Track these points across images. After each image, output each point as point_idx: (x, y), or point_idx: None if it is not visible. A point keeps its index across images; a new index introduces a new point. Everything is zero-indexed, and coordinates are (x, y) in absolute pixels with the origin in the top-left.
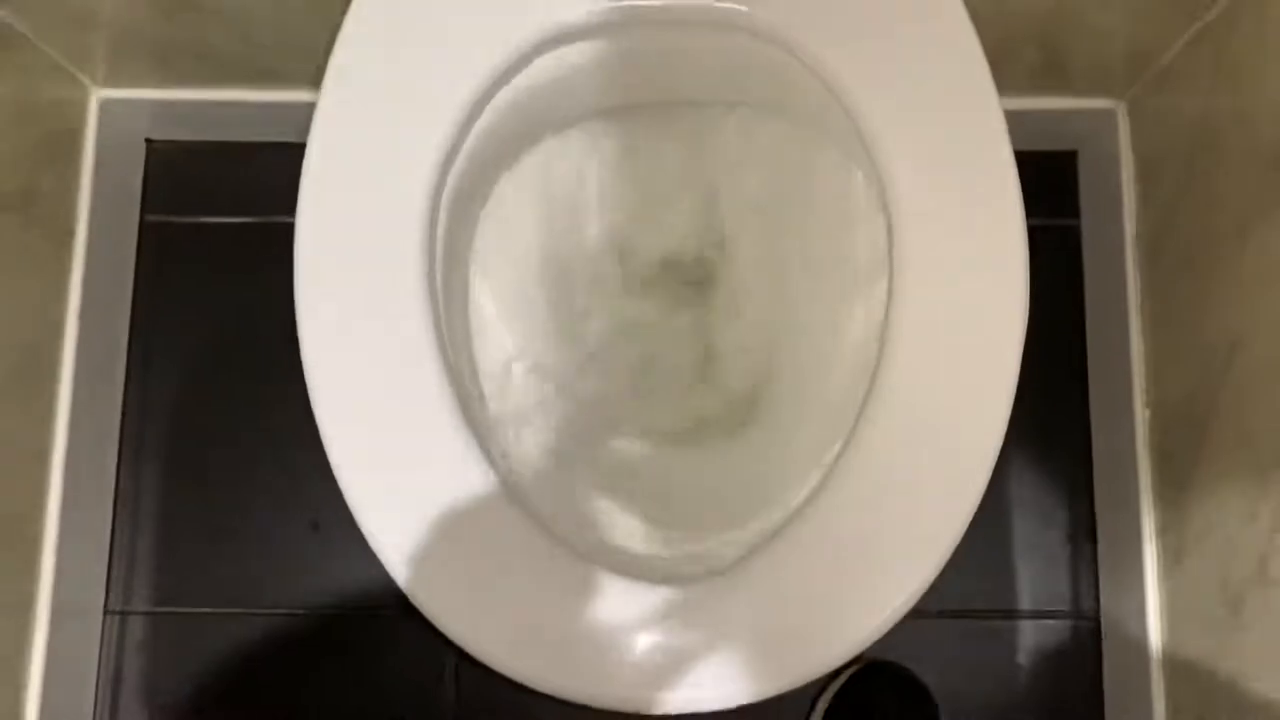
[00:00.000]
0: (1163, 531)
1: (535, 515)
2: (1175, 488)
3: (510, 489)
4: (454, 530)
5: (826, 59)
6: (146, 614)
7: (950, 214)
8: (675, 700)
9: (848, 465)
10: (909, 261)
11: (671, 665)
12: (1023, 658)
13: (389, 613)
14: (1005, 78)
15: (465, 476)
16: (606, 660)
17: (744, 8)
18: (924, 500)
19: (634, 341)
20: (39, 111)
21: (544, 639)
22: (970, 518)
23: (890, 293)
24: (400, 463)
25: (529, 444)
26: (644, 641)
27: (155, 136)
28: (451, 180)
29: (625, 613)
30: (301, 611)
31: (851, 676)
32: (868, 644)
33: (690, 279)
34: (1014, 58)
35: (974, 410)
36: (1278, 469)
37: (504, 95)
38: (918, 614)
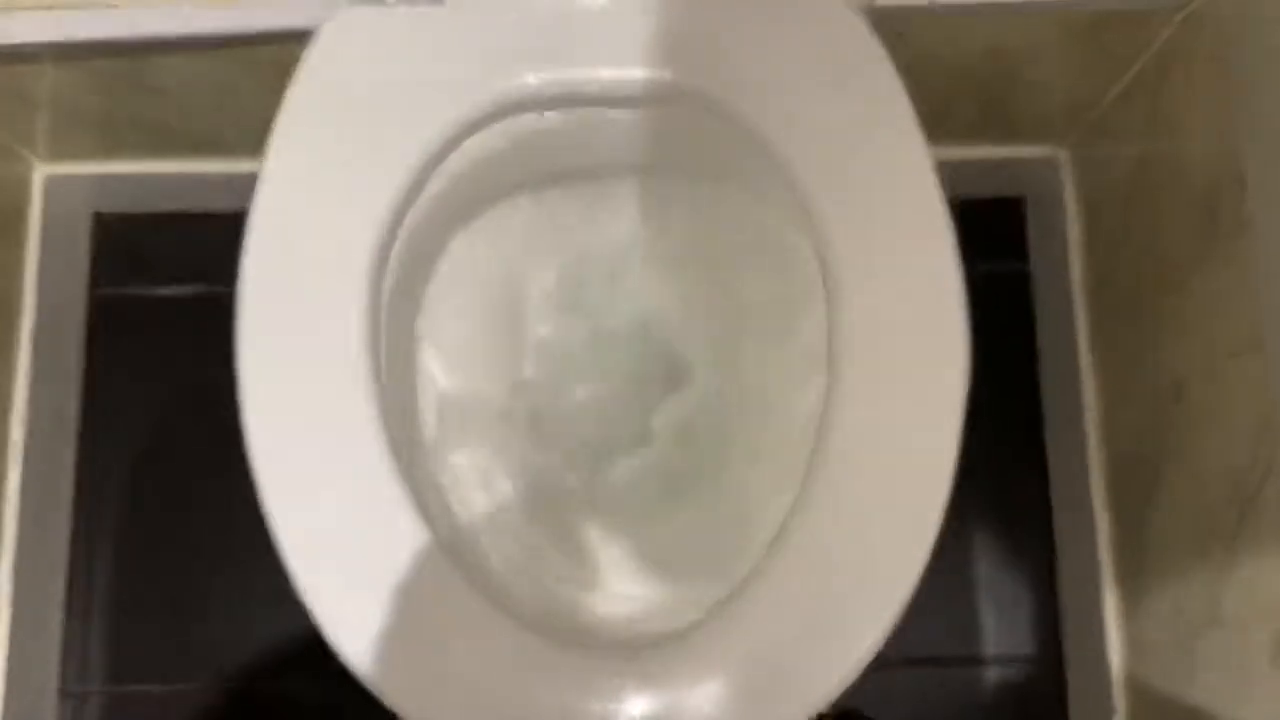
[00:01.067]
0: (1120, 574)
1: (486, 584)
2: (1131, 529)
3: (461, 563)
4: (406, 615)
5: (762, 128)
6: (103, 693)
7: (888, 277)
8: None
9: (797, 527)
10: (850, 326)
11: None
12: (990, 703)
13: (349, 683)
14: (951, 128)
15: (415, 558)
16: None
17: (669, 76)
18: (875, 558)
19: (584, 409)
20: None
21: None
22: (922, 571)
23: (831, 357)
24: (349, 549)
25: (478, 511)
26: (597, 710)
27: (103, 209)
28: (395, 249)
29: (578, 683)
30: (260, 683)
31: None
32: (827, 701)
33: (640, 344)
34: (958, 109)
35: (919, 472)
36: (1225, 508)
37: (446, 165)
38: (884, 664)
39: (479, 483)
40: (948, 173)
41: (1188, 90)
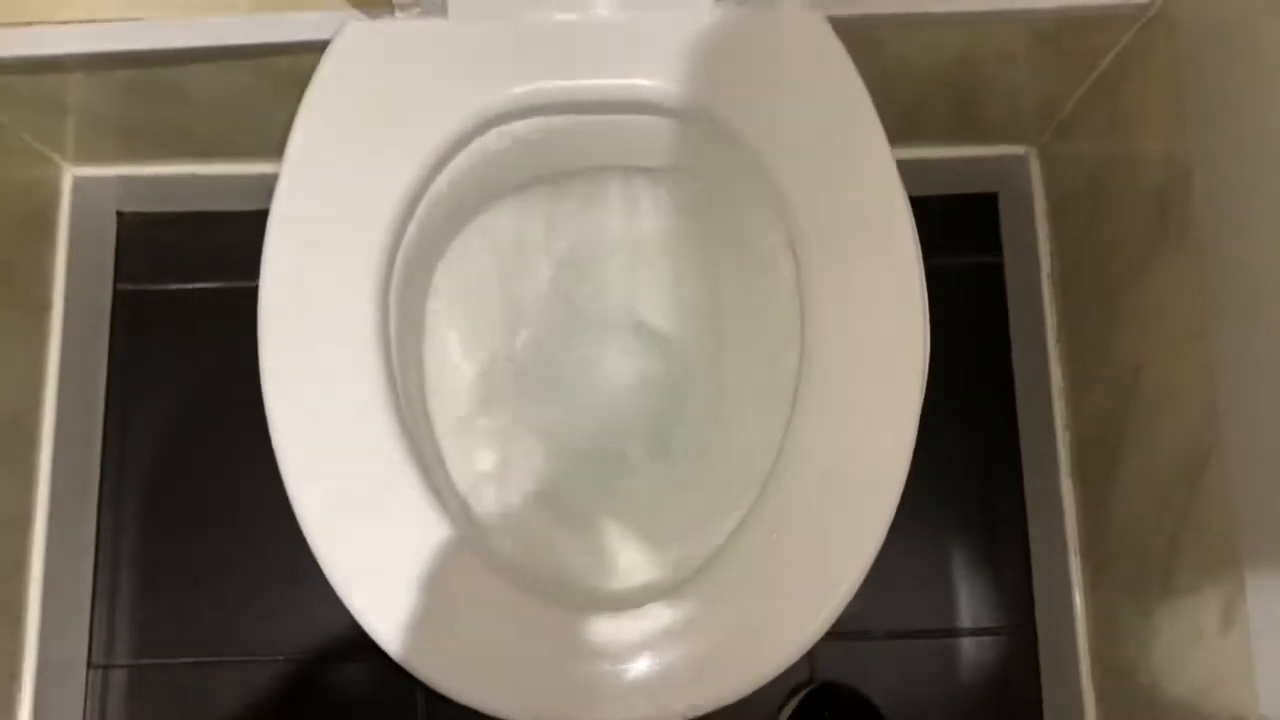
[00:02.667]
0: (1085, 547)
1: (498, 561)
2: (1095, 506)
3: (473, 540)
4: (429, 594)
5: (742, 133)
6: (128, 666)
7: (854, 268)
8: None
9: (769, 497)
10: (819, 315)
11: (622, 684)
12: (967, 674)
13: (364, 655)
14: (927, 129)
15: (432, 539)
16: (567, 685)
17: (675, 86)
18: (838, 531)
19: (586, 398)
20: (15, 191)
21: (520, 677)
22: (878, 547)
23: (803, 342)
24: (369, 525)
25: (484, 486)
26: (589, 664)
27: (125, 209)
28: (405, 245)
29: (576, 640)
30: (280, 658)
31: (805, 698)
32: (797, 655)
33: (635, 333)
34: (931, 112)
35: (878, 457)
36: (1177, 484)
37: (452, 165)
38: (867, 636)
39: (484, 459)
40: (925, 171)
41: (1143, 93)
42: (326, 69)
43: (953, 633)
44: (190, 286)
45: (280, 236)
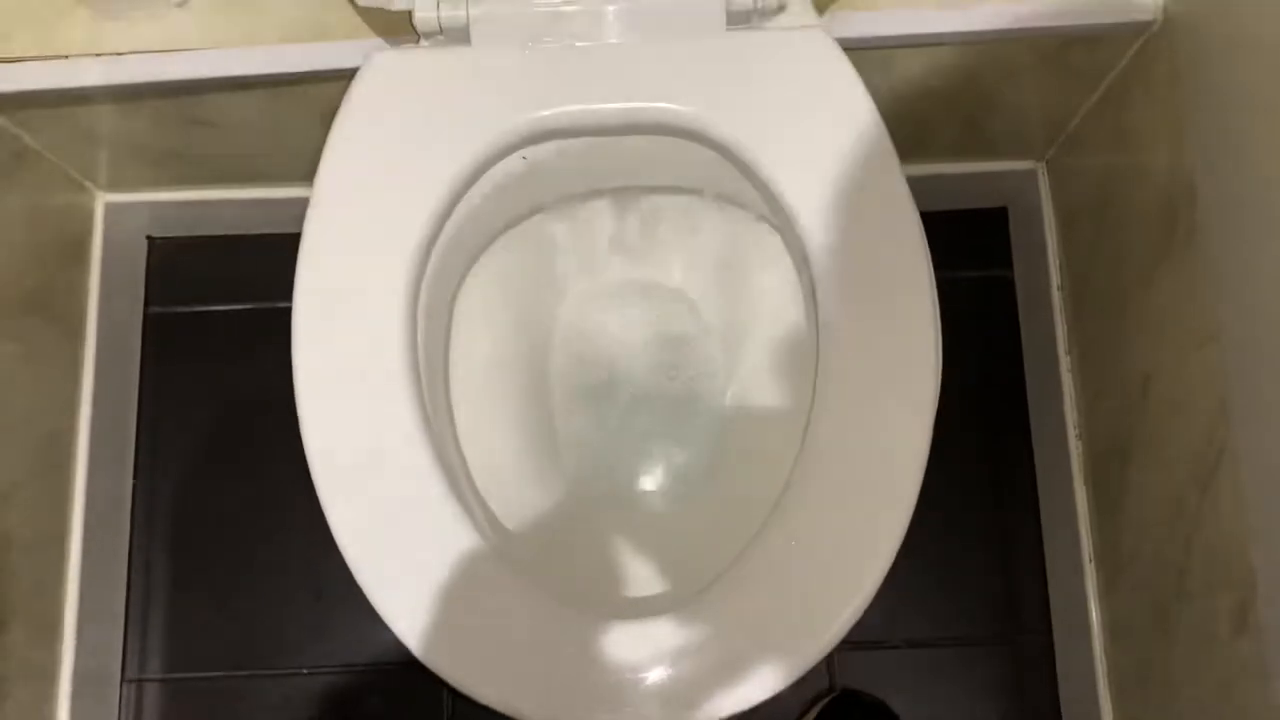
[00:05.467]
0: (1100, 554)
1: (521, 569)
2: (1108, 513)
3: (499, 550)
4: (455, 599)
5: (756, 156)
6: (160, 680)
7: (866, 284)
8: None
9: (788, 504)
10: (831, 334)
11: (642, 689)
12: (985, 682)
13: (388, 668)
14: (938, 146)
15: (461, 549)
16: (596, 689)
17: (691, 109)
18: (857, 537)
19: (607, 417)
20: (51, 218)
21: (543, 681)
22: (894, 555)
23: (817, 357)
24: (402, 543)
25: (514, 506)
26: (610, 669)
27: (155, 234)
28: (433, 258)
29: (597, 646)
30: (305, 670)
31: (825, 706)
32: (818, 658)
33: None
34: (940, 129)
35: (893, 467)
36: (1188, 488)
37: (479, 186)
38: (886, 645)
39: (512, 481)
40: (936, 186)
41: (1147, 108)
42: (356, 96)
43: (971, 641)
44: (219, 308)
45: (312, 256)
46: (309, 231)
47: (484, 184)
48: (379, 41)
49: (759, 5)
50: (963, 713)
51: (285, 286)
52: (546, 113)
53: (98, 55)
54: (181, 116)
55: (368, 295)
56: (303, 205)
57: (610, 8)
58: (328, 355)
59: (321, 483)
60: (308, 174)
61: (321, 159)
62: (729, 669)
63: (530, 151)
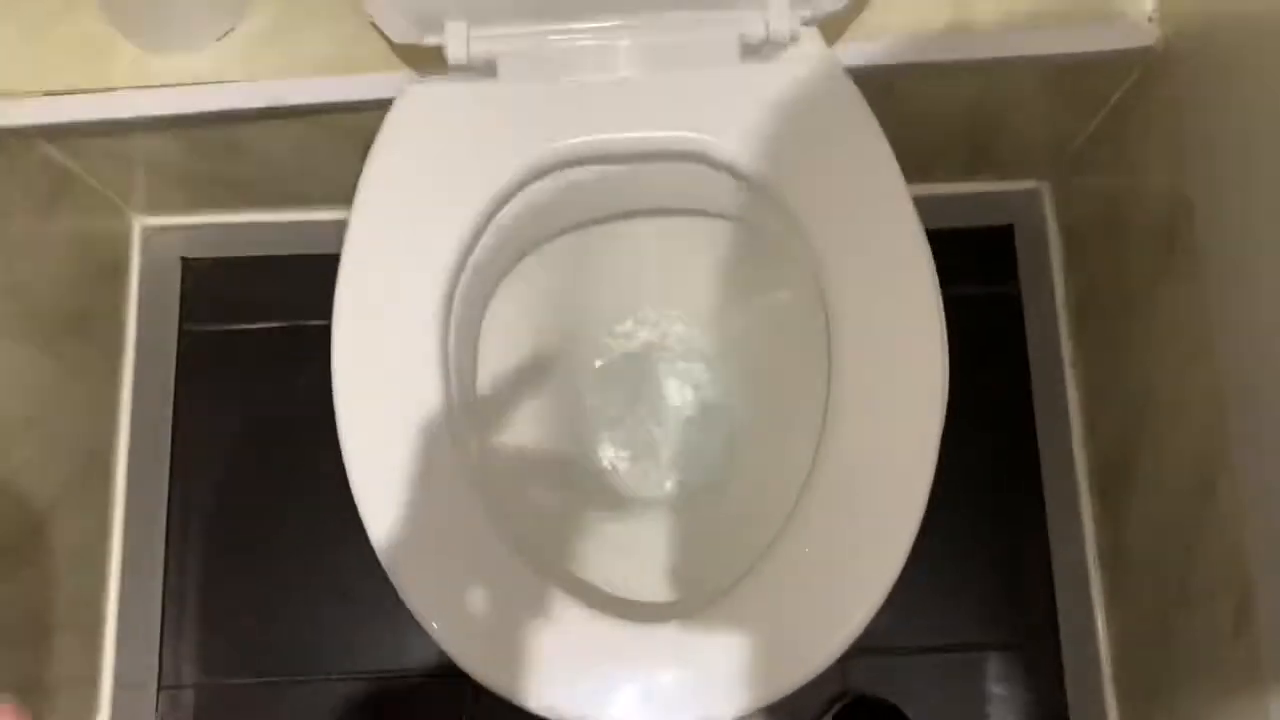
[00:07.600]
0: (1105, 561)
1: (555, 579)
2: (1113, 520)
3: (527, 553)
4: (491, 607)
5: (769, 181)
6: (195, 686)
7: (877, 302)
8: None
9: (801, 514)
10: (844, 351)
11: (660, 689)
12: (995, 686)
13: (413, 672)
14: (945, 167)
15: (495, 557)
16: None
17: (708, 136)
18: (868, 545)
19: (632, 429)
20: (90, 241)
21: (565, 677)
22: (903, 561)
23: (830, 372)
24: (435, 545)
25: (542, 517)
26: (629, 669)
27: (190, 255)
28: (464, 280)
29: (618, 647)
30: (334, 676)
31: (839, 711)
32: (828, 663)
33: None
34: (947, 151)
35: (903, 477)
36: (1189, 498)
37: (507, 211)
38: (899, 651)
39: (537, 491)
40: (943, 206)
41: (1148, 129)
42: (392, 124)
43: (981, 647)
44: (252, 326)
45: (352, 273)
46: (349, 250)
47: (514, 205)
48: (410, 74)
49: (771, 37)
50: (973, 716)
51: (316, 305)
52: (571, 141)
53: (143, 88)
54: (219, 144)
55: (404, 311)
56: (332, 227)
57: (626, 43)
58: (365, 367)
59: (360, 492)
60: (337, 197)
61: (360, 182)
62: (748, 669)
63: (557, 176)
